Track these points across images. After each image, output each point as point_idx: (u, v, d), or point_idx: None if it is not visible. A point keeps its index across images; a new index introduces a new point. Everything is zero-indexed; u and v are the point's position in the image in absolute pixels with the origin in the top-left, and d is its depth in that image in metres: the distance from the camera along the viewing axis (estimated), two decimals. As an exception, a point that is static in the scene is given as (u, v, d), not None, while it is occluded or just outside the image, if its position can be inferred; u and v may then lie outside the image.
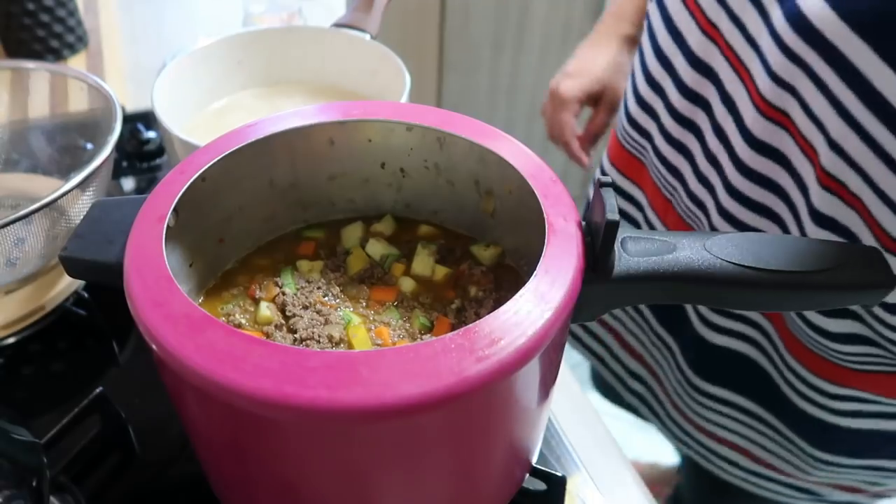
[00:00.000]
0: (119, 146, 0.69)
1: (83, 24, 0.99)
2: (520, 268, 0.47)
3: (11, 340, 0.59)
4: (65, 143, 0.70)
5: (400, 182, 0.49)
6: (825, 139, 0.47)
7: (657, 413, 0.81)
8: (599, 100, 0.83)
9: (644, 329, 0.75)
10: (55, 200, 0.52)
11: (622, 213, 0.73)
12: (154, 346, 0.32)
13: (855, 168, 0.46)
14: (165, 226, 0.37)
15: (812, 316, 0.55)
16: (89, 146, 0.67)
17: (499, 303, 0.36)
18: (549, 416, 0.57)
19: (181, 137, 0.57)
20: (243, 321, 0.44)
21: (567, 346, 0.41)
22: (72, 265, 0.40)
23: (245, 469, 0.39)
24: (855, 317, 0.53)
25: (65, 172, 0.68)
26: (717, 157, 0.57)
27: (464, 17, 1.57)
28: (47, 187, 0.59)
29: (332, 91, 0.75)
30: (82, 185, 0.55)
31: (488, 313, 0.34)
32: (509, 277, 0.47)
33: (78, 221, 0.49)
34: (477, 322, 0.32)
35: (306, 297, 0.45)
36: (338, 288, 0.46)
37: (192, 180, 0.40)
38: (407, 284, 0.46)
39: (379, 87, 0.71)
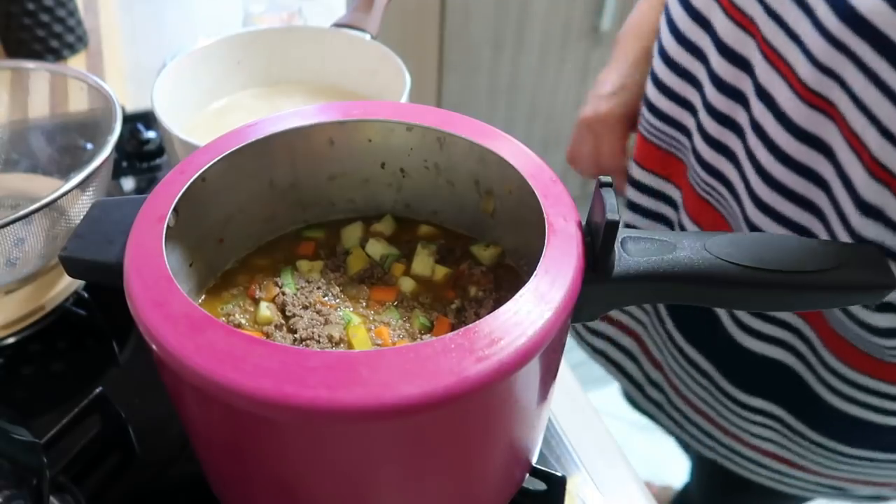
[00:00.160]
0: (119, 146, 0.69)
1: (83, 24, 0.99)
2: (520, 268, 0.47)
3: (11, 340, 0.59)
4: (65, 143, 0.70)
5: (400, 182, 0.49)
6: (877, 129, 0.46)
7: (675, 419, 0.80)
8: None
9: (664, 339, 0.74)
10: (55, 200, 0.52)
11: (655, 215, 0.72)
12: (154, 346, 0.32)
13: None
14: (165, 226, 0.37)
15: (856, 311, 0.54)
16: (89, 146, 0.67)
17: (499, 303, 0.36)
18: (549, 416, 0.57)
19: (181, 137, 0.57)
20: (243, 321, 0.44)
21: (567, 346, 0.41)
22: (72, 265, 0.40)
23: (244, 469, 0.39)
24: None
25: (65, 172, 0.68)
26: (755, 151, 0.56)
27: (464, 17, 1.57)
28: (47, 187, 0.59)
29: (332, 91, 0.75)
30: (82, 185, 0.55)
31: (488, 313, 0.34)
32: (509, 277, 0.47)
33: (78, 221, 0.49)
34: (477, 322, 0.32)
35: (306, 297, 0.45)
36: (338, 288, 0.46)
37: (192, 180, 0.40)
38: (407, 284, 0.46)
39: (379, 87, 0.71)
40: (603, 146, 0.72)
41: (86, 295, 0.64)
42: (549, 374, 0.39)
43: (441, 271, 0.47)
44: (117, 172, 0.81)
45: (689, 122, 0.63)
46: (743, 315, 0.63)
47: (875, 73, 0.45)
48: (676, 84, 0.62)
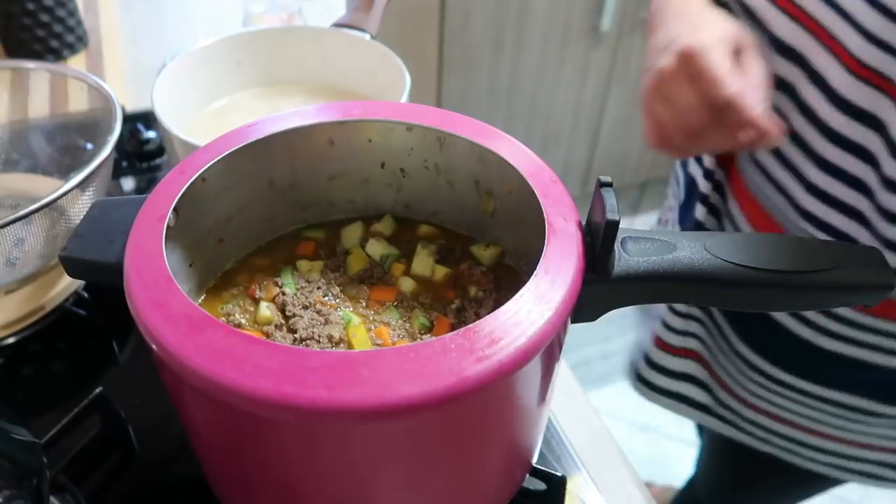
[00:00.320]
0: (119, 146, 0.69)
1: (83, 24, 0.99)
2: (520, 268, 0.47)
3: (11, 340, 0.59)
4: (65, 143, 0.70)
5: (400, 182, 0.49)
6: None
7: (706, 406, 0.79)
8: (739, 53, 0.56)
9: (726, 350, 0.73)
10: (55, 200, 0.52)
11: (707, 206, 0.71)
12: (154, 346, 0.32)
13: None
14: (165, 226, 0.37)
15: None
16: (89, 146, 0.67)
17: (499, 303, 0.36)
18: (549, 416, 0.57)
19: (181, 137, 0.57)
20: (243, 321, 0.44)
21: (567, 347, 0.41)
22: (72, 265, 0.40)
23: (244, 469, 0.39)
24: None
25: (65, 172, 0.68)
26: (804, 135, 0.56)
27: (464, 17, 1.57)
28: (47, 187, 0.59)
29: (332, 91, 0.75)
30: (82, 185, 0.55)
31: (488, 313, 0.34)
32: (509, 277, 0.47)
33: (78, 221, 0.49)
34: (477, 322, 0.32)
35: (306, 297, 0.45)
36: (338, 288, 0.46)
37: (192, 180, 0.40)
38: (407, 284, 0.46)
39: (379, 87, 0.71)
40: (708, 74, 0.50)
41: (86, 295, 0.64)
42: (549, 374, 0.39)
43: (441, 271, 0.47)
44: (117, 172, 0.81)
45: None
46: (810, 314, 0.63)
47: None
48: None
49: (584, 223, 0.39)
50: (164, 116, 0.59)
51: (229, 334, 0.32)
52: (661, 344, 0.79)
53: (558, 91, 1.80)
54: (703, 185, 0.70)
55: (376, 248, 0.48)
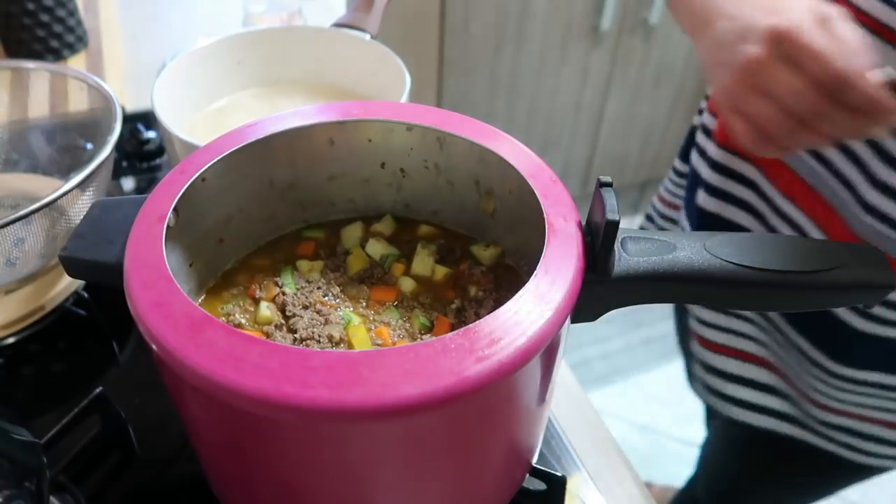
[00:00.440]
0: (119, 146, 0.69)
1: (83, 24, 0.99)
2: (520, 268, 0.47)
3: (11, 340, 0.59)
4: (65, 143, 0.70)
5: (400, 182, 0.49)
6: None
7: (782, 413, 0.77)
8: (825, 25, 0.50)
9: (788, 349, 0.72)
10: (55, 200, 0.52)
11: (732, 198, 0.70)
12: (154, 346, 0.32)
13: None
14: (165, 226, 0.37)
15: None
16: (89, 146, 0.67)
17: (499, 303, 0.36)
18: (549, 416, 0.57)
19: (181, 137, 0.57)
20: (243, 321, 0.44)
21: (567, 346, 0.41)
22: (72, 265, 0.40)
23: (245, 469, 0.39)
24: None
25: (65, 172, 0.68)
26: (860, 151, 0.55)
27: (464, 17, 1.57)
28: (47, 187, 0.59)
29: (332, 91, 0.75)
30: (82, 185, 0.55)
31: (488, 313, 0.34)
32: (509, 277, 0.47)
33: (78, 221, 0.49)
34: (477, 322, 0.32)
35: (306, 297, 0.45)
36: (338, 288, 0.46)
37: (192, 180, 0.40)
38: (407, 284, 0.46)
39: (379, 87, 0.71)
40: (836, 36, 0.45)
41: (86, 295, 0.64)
42: (549, 374, 0.39)
43: (441, 271, 0.47)
44: (117, 172, 0.81)
45: None
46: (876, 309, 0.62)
47: None
48: None
49: (584, 223, 0.39)
50: (164, 116, 0.59)
51: (229, 334, 0.32)
52: (706, 343, 0.77)
53: (558, 91, 1.80)
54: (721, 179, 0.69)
55: (376, 248, 0.48)
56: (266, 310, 0.43)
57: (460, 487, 0.41)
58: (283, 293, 0.45)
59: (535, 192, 0.40)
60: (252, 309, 0.44)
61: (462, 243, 0.49)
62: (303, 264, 0.47)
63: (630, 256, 0.38)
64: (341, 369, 0.30)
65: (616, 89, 1.85)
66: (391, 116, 0.45)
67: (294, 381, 0.30)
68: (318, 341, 0.42)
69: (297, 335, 0.42)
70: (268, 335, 0.42)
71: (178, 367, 0.31)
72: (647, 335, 1.90)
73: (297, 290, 0.45)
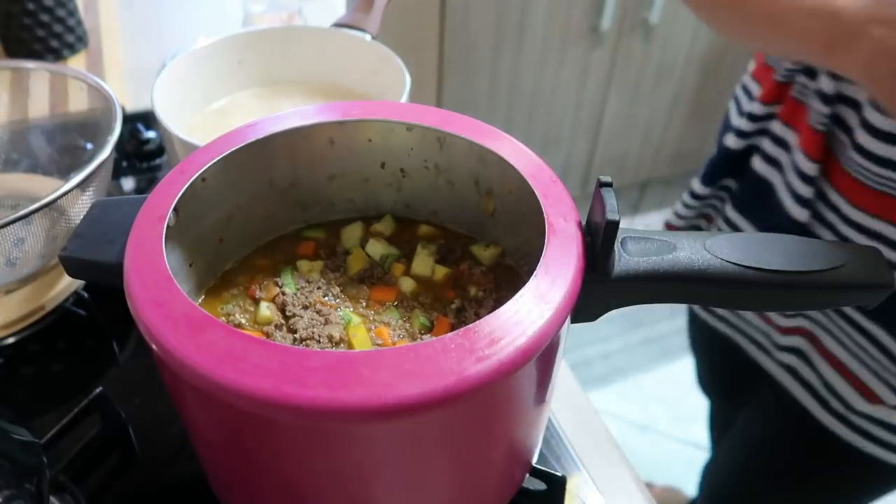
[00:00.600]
0: (119, 146, 0.69)
1: (83, 24, 0.99)
2: (520, 268, 0.47)
3: (11, 340, 0.59)
4: (65, 143, 0.70)
5: (400, 182, 0.49)
6: None
7: (809, 384, 0.76)
8: None
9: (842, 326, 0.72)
10: (55, 200, 0.52)
11: (758, 150, 0.72)
12: (154, 346, 0.32)
13: None
14: (165, 226, 0.37)
15: None
16: (89, 146, 0.67)
17: (499, 303, 0.36)
18: (549, 416, 0.57)
19: (181, 137, 0.57)
20: (243, 321, 0.44)
21: (567, 346, 0.41)
22: (72, 265, 0.40)
23: (245, 468, 0.39)
24: None
25: (65, 172, 0.68)
26: None
27: (464, 17, 1.57)
28: (47, 187, 0.59)
29: (332, 91, 0.75)
30: (82, 185, 0.55)
31: (488, 313, 0.34)
32: (509, 277, 0.47)
33: (78, 221, 0.49)
34: (477, 322, 0.32)
35: (306, 297, 0.45)
36: (338, 288, 0.46)
37: (192, 180, 0.40)
38: (407, 284, 0.46)
39: (379, 87, 0.71)
40: None
41: (86, 295, 0.64)
42: (549, 374, 0.39)
43: (441, 271, 0.47)
44: (117, 172, 0.81)
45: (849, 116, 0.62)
46: None
47: None
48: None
49: (584, 223, 0.39)
50: (164, 116, 0.59)
51: (229, 334, 0.32)
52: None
53: (558, 91, 1.80)
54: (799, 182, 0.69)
55: (376, 248, 0.48)
56: (266, 310, 0.43)
57: (460, 487, 0.41)
58: (283, 293, 0.45)
59: (535, 191, 0.40)
60: (252, 309, 0.44)
61: (462, 243, 0.49)
62: (303, 264, 0.47)
63: (630, 256, 0.38)
64: (341, 369, 0.30)
65: (616, 89, 1.85)
66: (391, 116, 0.45)
67: (294, 382, 0.30)
68: (318, 341, 0.42)
69: (297, 335, 0.42)
70: (268, 335, 0.42)
71: (178, 367, 0.31)
72: (647, 335, 1.90)
73: (297, 290, 0.45)
